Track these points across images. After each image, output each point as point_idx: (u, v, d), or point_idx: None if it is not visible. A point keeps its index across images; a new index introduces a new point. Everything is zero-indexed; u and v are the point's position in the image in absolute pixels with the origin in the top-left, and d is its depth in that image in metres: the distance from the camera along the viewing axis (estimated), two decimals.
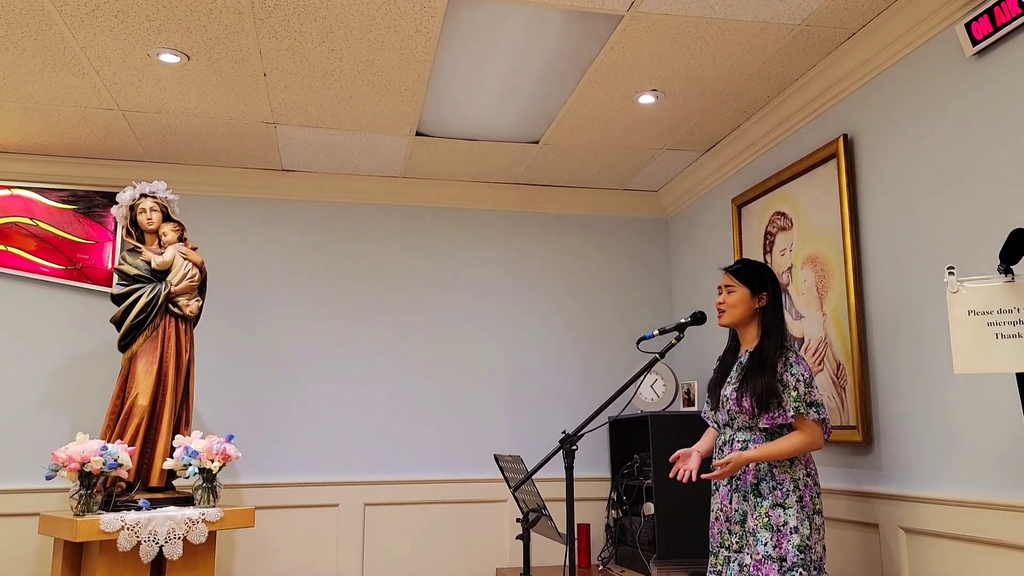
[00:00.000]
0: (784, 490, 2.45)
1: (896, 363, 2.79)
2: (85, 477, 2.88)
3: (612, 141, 3.93)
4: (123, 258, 3.42)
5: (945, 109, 2.61)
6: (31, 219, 3.98)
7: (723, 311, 2.66)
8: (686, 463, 2.64)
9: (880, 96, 2.92)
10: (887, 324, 2.85)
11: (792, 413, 2.48)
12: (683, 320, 2.69)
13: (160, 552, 2.89)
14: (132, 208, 3.48)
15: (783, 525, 2.42)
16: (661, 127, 3.76)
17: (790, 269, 3.42)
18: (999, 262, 1.90)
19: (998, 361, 1.84)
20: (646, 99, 3.44)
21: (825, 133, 3.22)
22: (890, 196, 2.85)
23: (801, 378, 2.49)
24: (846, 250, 3.02)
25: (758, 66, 3.15)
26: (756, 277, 2.66)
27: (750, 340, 2.65)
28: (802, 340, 3.32)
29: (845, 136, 3.06)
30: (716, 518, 2.62)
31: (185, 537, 2.92)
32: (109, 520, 2.81)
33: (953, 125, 2.58)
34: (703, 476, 2.53)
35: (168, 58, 3.03)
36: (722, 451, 2.63)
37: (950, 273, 1.92)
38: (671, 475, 2.64)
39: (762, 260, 3.56)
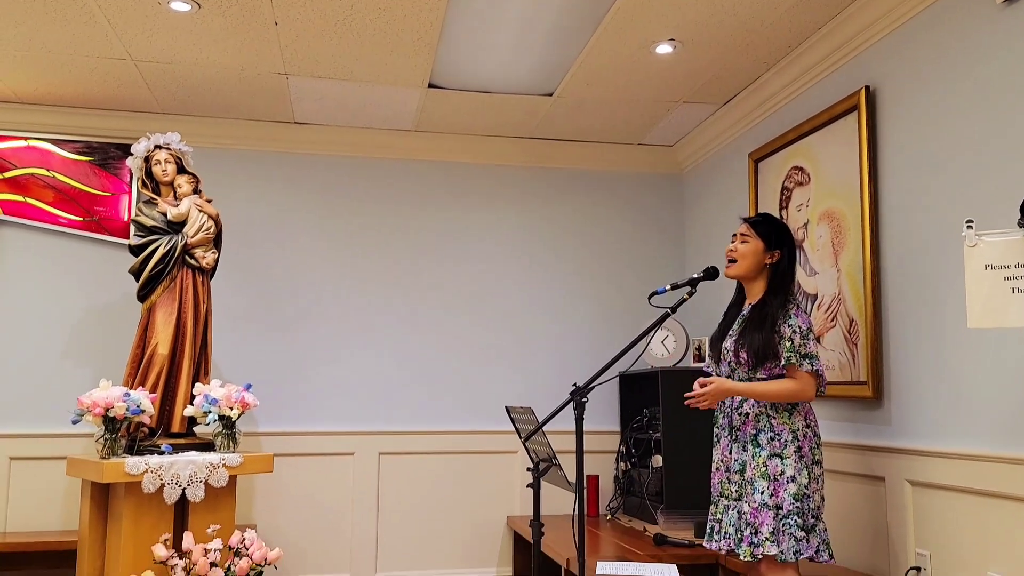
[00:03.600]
0: (782, 440, 2.48)
1: (909, 319, 2.79)
2: (109, 422, 2.96)
3: (628, 93, 3.87)
4: (139, 209, 3.45)
5: (972, 60, 2.56)
6: (48, 170, 4.01)
7: (732, 260, 2.66)
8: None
9: (905, 46, 2.86)
10: (902, 280, 2.84)
11: (783, 363, 2.49)
12: (695, 275, 2.68)
13: (183, 495, 2.98)
14: (147, 159, 3.49)
15: (780, 474, 2.45)
16: (678, 78, 3.70)
17: (806, 225, 3.40)
18: (1019, 215, 1.88)
19: (1013, 316, 1.84)
20: (663, 49, 3.38)
21: (846, 85, 3.16)
22: (911, 150, 2.82)
23: (797, 329, 2.50)
24: (863, 205, 2.99)
25: (779, 14, 3.09)
26: (774, 233, 2.65)
27: (755, 295, 2.66)
28: (815, 296, 3.31)
29: (867, 88, 3.00)
30: (717, 468, 2.67)
31: (207, 481, 3.00)
32: (134, 463, 2.89)
33: (980, 76, 2.52)
34: (696, 397, 2.54)
35: (179, 6, 3.00)
36: (722, 404, 2.66)
37: (968, 227, 1.90)
38: (687, 397, 2.61)
39: (778, 216, 3.53)
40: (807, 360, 2.48)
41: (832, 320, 3.20)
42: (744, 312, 2.66)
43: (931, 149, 2.71)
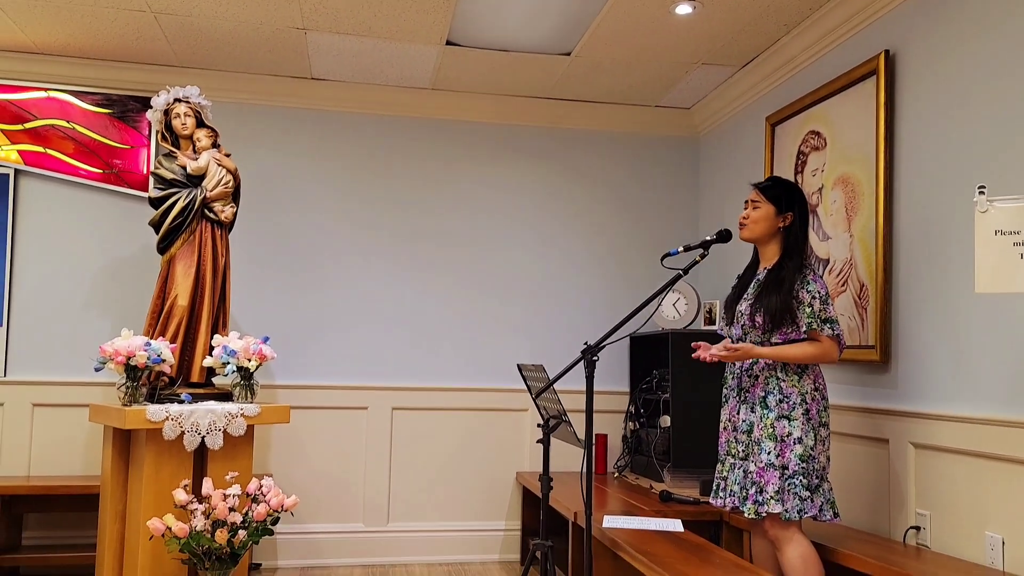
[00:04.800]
0: (791, 403, 2.52)
1: (919, 284, 2.81)
2: (131, 370, 3.04)
3: (646, 54, 3.85)
4: (159, 162, 3.48)
5: (992, 25, 2.53)
6: (68, 122, 4.04)
7: (744, 225, 2.68)
8: (706, 349, 2.65)
9: (925, 10, 2.83)
10: (914, 245, 2.85)
11: (805, 329, 2.52)
12: (708, 238, 2.71)
13: (202, 442, 3.06)
14: (167, 113, 3.51)
15: (787, 436, 2.50)
16: (697, 40, 3.67)
17: (820, 190, 3.40)
18: None
19: (1020, 281, 1.86)
20: (683, 9, 3.35)
21: (866, 49, 3.14)
22: (928, 115, 2.81)
23: (817, 295, 2.53)
24: (879, 171, 2.99)
25: None
26: (784, 196, 2.66)
27: (769, 258, 2.68)
28: (827, 261, 3.33)
29: (886, 52, 2.98)
30: (724, 428, 2.72)
31: (225, 430, 3.09)
32: (154, 411, 2.97)
33: (1000, 42, 2.50)
34: (709, 354, 2.57)
35: None
36: (734, 364, 2.70)
37: (980, 192, 1.91)
38: (693, 356, 2.66)
39: (793, 180, 3.53)
40: (828, 325, 2.52)
41: (843, 285, 3.22)
42: (759, 276, 2.68)
43: (948, 115, 2.70)
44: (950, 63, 2.71)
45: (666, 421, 3.85)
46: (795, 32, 3.52)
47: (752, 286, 2.69)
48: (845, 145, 3.25)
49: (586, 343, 2.52)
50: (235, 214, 3.53)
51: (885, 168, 2.97)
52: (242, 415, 3.12)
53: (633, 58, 3.91)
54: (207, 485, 2.89)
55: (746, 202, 2.71)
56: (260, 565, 4.11)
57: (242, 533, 2.80)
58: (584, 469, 2.45)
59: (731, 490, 2.62)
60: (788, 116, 3.65)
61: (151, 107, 3.54)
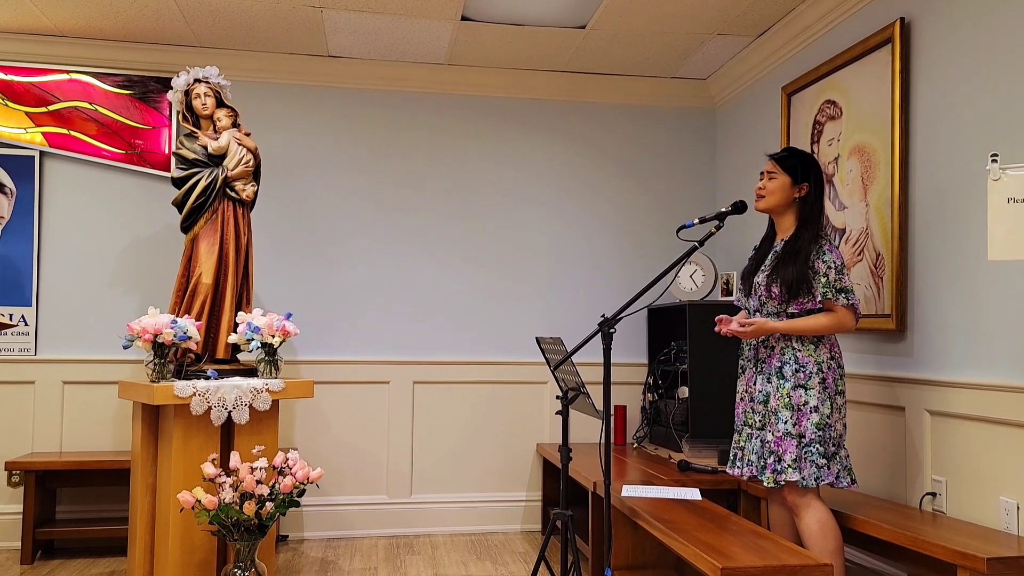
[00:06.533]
0: (807, 372, 2.55)
1: (935, 253, 2.81)
2: (158, 348, 3.11)
3: (661, 25, 3.83)
4: (181, 143, 3.53)
5: None
6: (90, 103, 4.10)
7: (761, 196, 2.69)
8: (727, 324, 2.70)
9: None
10: (929, 214, 2.85)
11: (820, 298, 2.54)
12: (723, 209, 2.72)
13: (229, 417, 3.14)
14: (187, 93, 3.55)
15: (803, 404, 2.53)
16: (713, 9, 3.65)
17: (836, 159, 3.39)
18: None
19: None
20: None
21: (881, 17, 3.11)
22: (944, 83, 2.78)
23: (832, 265, 2.54)
24: (894, 139, 2.98)
25: None
26: (800, 167, 2.66)
27: (786, 229, 2.69)
28: (843, 231, 3.33)
29: (902, 20, 2.95)
30: (741, 398, 2.75)
31: (251, 404, 3.16)
32: (182, 387, 3.05)
33: (1016, 9, 2.47)
34: (727, 329, 2.63)
35: None
36: None
37: (993, 160, 1.91)
38: (716, 330, 2.72)
39: (809, 150, 3.52)
40: (843, 294, 2.53)
41: (859, 254, 3.22)
42: (776, 247, 2.70)
43: (963, 83, 2.68)
44: (965, 31, 2.68)
45: (684, 392, 3.89)
46: (810, 0, 3.48)
47: (769, 257, 2.70)
48: (861, 114, 3.23)
49: (603, 315, 2.55)
50: (256, 192, 3.58)
51: (901, 137, 2.96)
52: (267, 390, 3.19)
53: (648, 29, 3.89)
54: (234, 459, 2.96)
55: (762, 173, 2.72)
56: (287, 537, 4.22)
57: (269, 505, 2.87)
58: (603, 440, 2.50)
59: (748, 459, 2.66)
60: (804, 86, 3.63)
61: (171, 88, 3.58)
